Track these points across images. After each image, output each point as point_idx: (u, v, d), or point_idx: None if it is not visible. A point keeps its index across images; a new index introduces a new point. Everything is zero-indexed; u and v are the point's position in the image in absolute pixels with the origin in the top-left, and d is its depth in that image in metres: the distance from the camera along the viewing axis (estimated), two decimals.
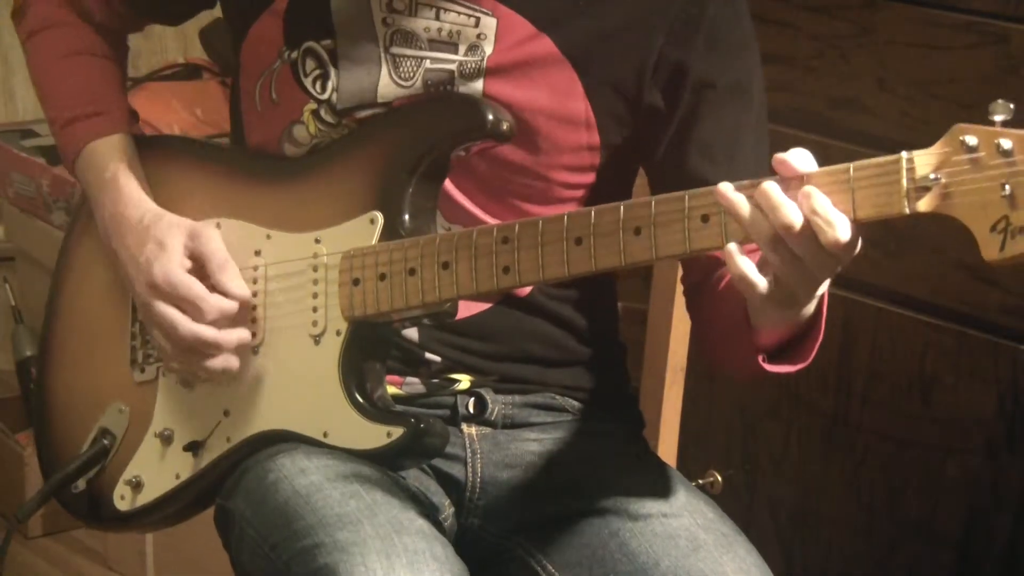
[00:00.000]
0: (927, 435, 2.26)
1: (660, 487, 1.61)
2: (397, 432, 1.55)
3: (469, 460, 1.66)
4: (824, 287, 1.43)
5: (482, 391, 1.67)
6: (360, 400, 1.57)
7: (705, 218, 1.41)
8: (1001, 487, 2.19)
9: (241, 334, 1.60)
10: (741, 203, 1.38)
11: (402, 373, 1.65)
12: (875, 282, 2.30)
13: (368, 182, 1.59)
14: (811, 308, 1.47)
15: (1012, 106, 1.30)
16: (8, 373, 3.08)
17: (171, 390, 1.69)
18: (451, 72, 1.60)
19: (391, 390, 1.63)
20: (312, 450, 1.57)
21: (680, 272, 1.73)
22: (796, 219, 1.35)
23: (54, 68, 1.78)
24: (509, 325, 1.66)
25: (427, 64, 1.61)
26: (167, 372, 1.69)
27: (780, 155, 1.38)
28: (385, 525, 1.45)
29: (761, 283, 1.39)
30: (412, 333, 1.65)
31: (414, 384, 1.66)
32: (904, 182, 1.32)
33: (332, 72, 1.62)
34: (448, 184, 1.61)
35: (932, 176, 1.32)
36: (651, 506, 1.58)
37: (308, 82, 1.64)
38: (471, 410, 1.66)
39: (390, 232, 1.57)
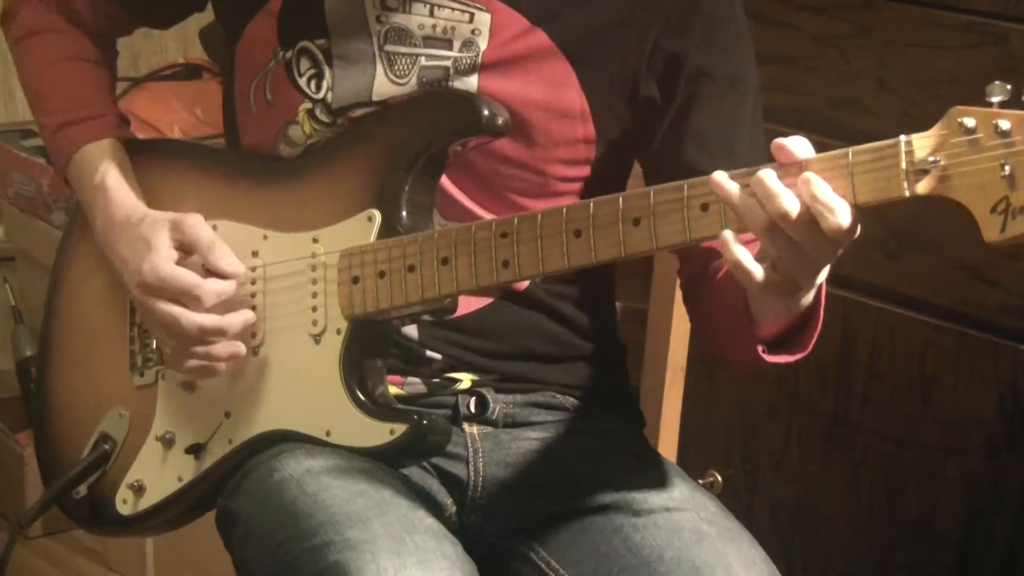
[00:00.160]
0: (927, 435, 2.26)
1: (662, 483, 1.61)
2: (400, 429, 1.55)
3: (471, 459, 1.66)
4: (824, 273, 1.43)
5: (483, 390, 1.67)
6: (362, 398, 1.57)
7: (704, 207, 1.42)
8: (1001, 487, 2.19)
9: (245, 316, 1.61)
10: (735, 192, 1.38)
11: (403, 373, 1.65)
12: (875, 282, 2.30)
13: (365, 180, 1.59)
14: (810, 297, 1.47)
15: (1009, 87, 1.30)
16: (8, 373, 3.08)
17: (171, 393, 1.69)
18: (446, 69, 1.60)
19: (393, 390, 1.63)
20: (316, 449, 1.57)
21: (679, 267, 1.74)
22: (792, 207, 1.35)
23: (44, 73, 1.78)
24: (508, 321, 1.66)
25: (422, 61, 1.61)
26: (171, 375, 1.68)
27: (779, 140, 1.38)
28: (395, 523, 1.45)
29: (757, 271, 1.39)
30: (412, 331, 1.65)
31: (415, 384, 1.66)
32: (903, 165, 1.33)
33: (327, 71, 1.63)
34: (444, 180, 1.61)
35: (931, 159, 1.32)
36: (654, 501, 1.58)
37: (303, 82, 1.64)
38: (472, 409, 1.67)
39: (388, 230, 1.57)
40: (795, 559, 2.43)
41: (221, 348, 1.59)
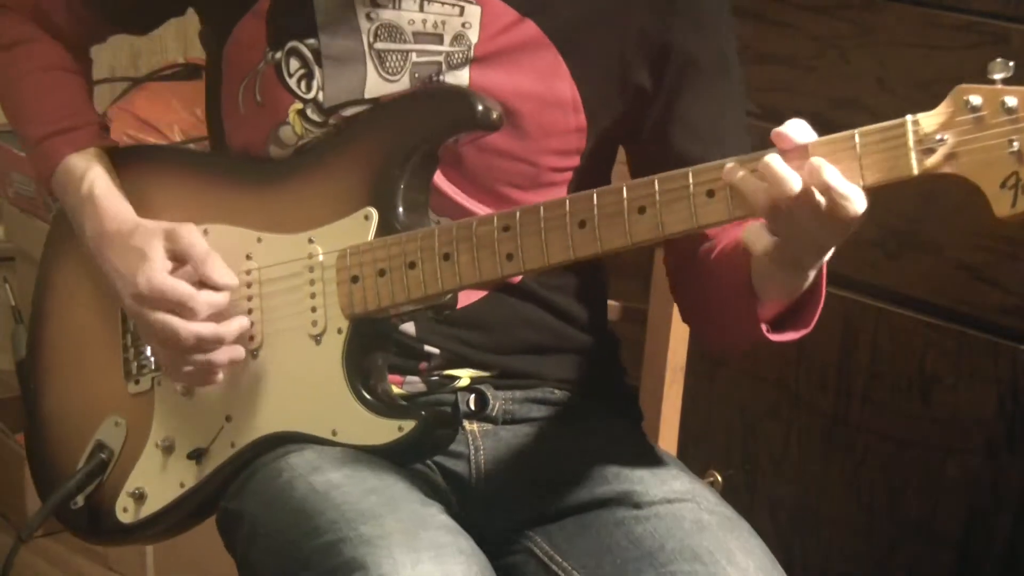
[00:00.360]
0: (927, 435, 2.26)
1: (662, 475, 1.62)
2: (409, 425, 1.55)
3: (472, 456, 1.66)
4: (830, 253, 1.44)
5: (482, 387, 1.67)
6: (368, 397, 1.57)
7: (711, 193, 1.43)
8: (1001, 487, 2.19)
9: (240, 322, 1.60)
10: (746, 178, 1.39)
11: (402, 372, 1.65)
12: (875, 282, 2.30)
13: (359, 179, 1.59)
14: (812, 276, 1.48)
15: (1012, 64, 1.32)
16: (8, 373, 3.07)
17: (169, 399, 1.69)
18: (439, 64, 1.60)
19: (393, 389, 1.63)
20: (321, 449, 1.57)
21: (663, 255, 1.74)
22: (795, 185, 1.36)
23: (24, 85, 1.77)
24: (504, 313, 1.67)
25: (414, 57, 1.61)
26: (167, 381, 1.68)
27: (778, 129, 1.39)
28: (408, 520, 1.45)
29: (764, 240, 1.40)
30: (409, 327, 1.65)
31: (414, 383, 1.66)
32: (911, 144, 1.34)
33: (316, 71, 1.63)
34: (436, 175, 1.61)
35: (938, 137, 1.34)
36: (654, 493, 1.58)
37: (292, 82, 1.63)
38: (472, 407, 1.67)
39: (385, 228, 1.57)
40: (795, 559, 2.43)
41: (220, 355, 1.59)
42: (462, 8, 1.59)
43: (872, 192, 1.38)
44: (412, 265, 1.55)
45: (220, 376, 1.61)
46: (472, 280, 1.53)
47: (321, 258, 1.60)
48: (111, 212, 1.67)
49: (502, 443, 1.67)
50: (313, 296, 1.60)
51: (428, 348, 1.66)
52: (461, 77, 1.61)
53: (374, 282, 1.56)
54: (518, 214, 1.51)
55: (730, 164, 1.40)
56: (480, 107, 1.55)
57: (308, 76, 1.63)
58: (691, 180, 1.43)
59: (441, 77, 1.61)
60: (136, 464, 1.70)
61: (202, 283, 1.60)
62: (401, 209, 1.57)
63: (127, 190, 1.71)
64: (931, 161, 1.34)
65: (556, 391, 1.71)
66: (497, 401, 1.67)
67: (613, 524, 1.58)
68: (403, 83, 1.62)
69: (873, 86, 2.25)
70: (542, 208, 1.50)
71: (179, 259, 1.61)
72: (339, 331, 1.58)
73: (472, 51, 1.60)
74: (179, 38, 3.30)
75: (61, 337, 1.79)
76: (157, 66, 3.15)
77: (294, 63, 1.63)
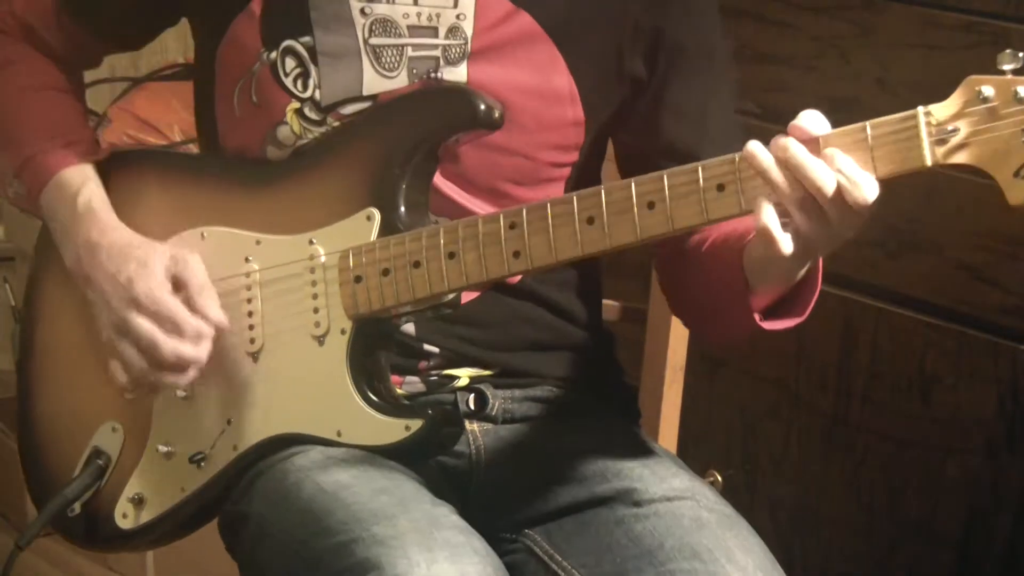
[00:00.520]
0: (927, 435, 2.26)
1: (662, 473, 1.62)
2: (416, 424, 1.55)
3: (473, 456, 1.66)
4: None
5: (482, 386, 1.67)
6: (373, 397, 1.57)
7: (721, 187, 1.43)
8: (1001, 487, 2.19)
9: (208, 348, 1.59)
10: (770, 164, 1.39)
11: (401, 372, 1.65)
12: (875, 282, 2.30)
13: (360, 179, 1.59)
14: (808, 265, 1.49)
15: (1022, 55, 1.33)
16: (8, 373, 3.06)
17: (168, 404, 1.67)
18: (436, 58, 1.60)
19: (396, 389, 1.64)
20: (326, 450, 1.57)
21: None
22: (829, 180, 1.37)
23: (16, 103, 1.75)
24: (502, 311, 1.67)
25: (409, 52, 1.61)
26: (127, 391, 1.67)
27: (793, 122, 1.40)
28: (421, 520, 1.45)
29: (785, 242, 1.41)
30: (408, 326, 1.64)
31: (414, 383, 1.66)
32: (923, 135, 1.35)
33: (312, 69, 1.62)
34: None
35: (950, 127, 1.35)
36: (654, 491, 1.58)
37: (288, 81, 1.63)
38: (472, 406, 1.67)
39: (387, 228, 1.57)
40: (795, 559, 2.43)
41: (186, 377, 1.59)
42: (456, 0, 1.60)
43: (881, 186, 1.38)
44: (417, 264, 1.55)
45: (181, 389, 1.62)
46: (478, 278, 1.53)
47: (323, 259, 1.60)
48: (111, 224, 1.66)
49: (502, 442, 1.67)
50: (315, 297, 1.60)
51: (427, 347, 1.66)
52: (459, 73, 1.61)
53: (378, 282, 1.56)
54: (524, 211, 1.51)
55: (753, 145, 1.40)
56: (482, 106, 1.55)
57: (304, 75, 1.63)
58: (701, 174, 1.44)
59: (439, 73, 1.61)
60: (135, 469, 1.69)
61: (192, 311, 1.59)
62: (403, 209, 1.57)
63: (123, 194, 1.70)
64: (944, 151, 1.35)
65: (555, 389, 1.71)
66: (496, 400, 1.67)
67: (613, 522, 1.58)
68: (401, 79, 1.62)
69: (873, 86, 2.25)
70: (549, 205, 1.50)
71: (176, 283, 1.60)
72: (342, 332, 1.58)
73: (469, 45, 1.60)
74: (179, 38, 3.29)
75: (55, 342, 1.78)
76: (157, 66, 3.15)
77: (290, 62, 1.63)
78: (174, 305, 1.59)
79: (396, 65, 1.61)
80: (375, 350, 1.60)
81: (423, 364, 1.66)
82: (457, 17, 1.60)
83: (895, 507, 2.31)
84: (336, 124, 1.63)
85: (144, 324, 1.59)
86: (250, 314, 1.62)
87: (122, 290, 1.61)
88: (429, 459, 1.63)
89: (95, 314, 1.67)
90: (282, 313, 1.61)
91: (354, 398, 1.57)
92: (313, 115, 1.63)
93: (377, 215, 1.58)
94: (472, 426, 1.67)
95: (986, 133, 1.34)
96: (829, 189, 1.37)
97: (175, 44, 3.28)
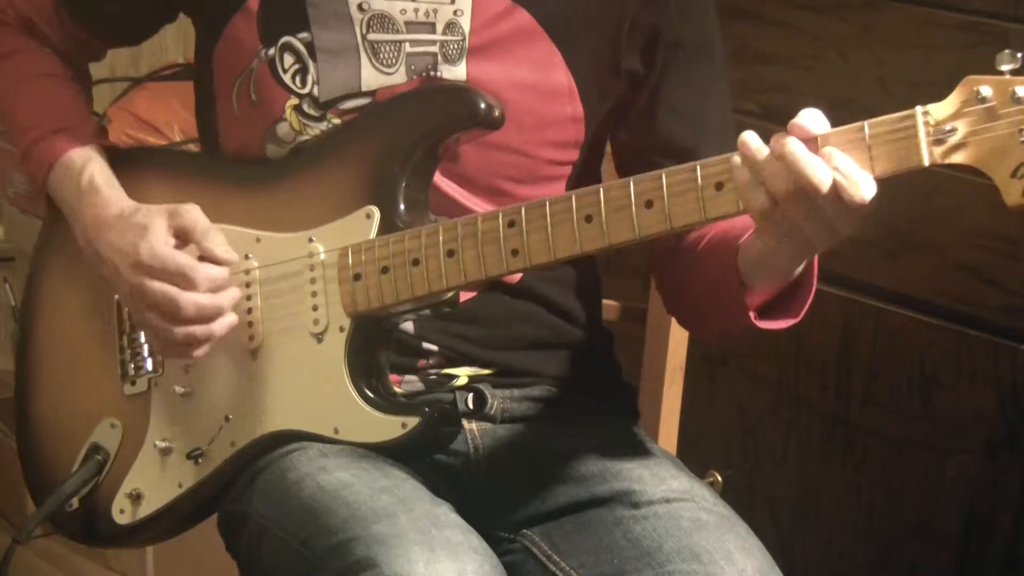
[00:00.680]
0: (927, 435, 2.26)
1: (661, 474, 1.62)
2: (413, 422, 1.55)
3: (471, 455, 1.66)
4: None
5: (480, 386, 1.67)
6: (370, 394, 1.57)
7: (719, 186, 1.43)
8: (1001, 487, 2.19)
9: (234, 293, 1.60)
10: (764, 157, 1.39)
11: (400, 371, 1.65)
12: (875, 282, 2.30)
13: (360, 177, 1.59)
14: (803, 265, 1.50)
15: (1020, 55, 1.33)
16: (8, 373, 3.06)
17: (166, 400, 1.68)
18: (434, 54, 1.61)
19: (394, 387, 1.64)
20: (327, 447, 1.57)
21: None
22: (826, 177, 1.36)
23: (20, 92, 1.76)
24: (501, 309, 1.67)
25: (407, 48, 1.61)
26: (164, 382, 1.67)
27: (793, 120, 1.40)
28: (422, 519, 1.45)
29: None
30: (407, 324, 1.65)
31: (413, 382, 1.66)
32: (921, 135, 1.35)
33: (311, 65, 1.63)
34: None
35: (948, 127, 1.35)
36: (653, 492, 1.58)
37: (287, 78, 1.63)
38: (470, 406, 1.67)
39: (387, 226, 1.57)
40: (795, 559, 2.43)
41: (218, 325, 1.59)
42: None
43: (879, 185, 1.38)
44: (416, 262, 1.55)
45: (207, 347, 1.60)
46: (477, 277, 1.53)
47: (322, 256, 1.60)
48: (112, 198, 1.67)
49: (500, 442, 1.67)
50: (314, 295, 1.60)
51: (426, 345, 1.66)
52: (458, 71, 1.61)
53: (377, 280, 1.57)
54: (523, 209, 1.51)
55: (748, 135, 1.40)
56: (482, 105, 1.55)
57: (303, 71, 1.63)
58: (699, 173, 1.44)
59: (438, 70, 1.61)
60: (133, 465, 1.69)
61: (201, 257, 1.60)
62: (403, 207, 1.58)
63: (125, 191, 1.71)
64: (941, 151, 1.35)
65: (554, 389, 1.71)
66: (495, 400, 1.67)
67: (611, 523, 1.58)
68: (399, 75, 1.62)
69: (873, 86, 2.25)
70: (547, 203, 1.50)
71: (181, 236, 1.61)
72: (341, 329, 1.58)
73: (467, 41, 1.60)
74: (179, 38, 3.30)
75: (54, 339, 1.78)
76: (157, 66, 3.15)
77: (288, 59, 1.63)
78: (180, 258, 1.59)
79: (394, 61, 1.61)
80: (374, 348, 1.60)
81: (422, 363, 1.66)
82: (454, 13, 1.60)
83: (895, 507, 2.31)
84: (335, 120, 1.63)
85: (156, 285, 1.59)
86: (249, 311, 1.63)
87: (129, 258, 1.61)
88: (426, 457, 1.63)
89: (113, 291, 1.68)
90: (281, 310, 1.61)
91: (351, 395, 1.57)
92: (312, 111, 1.63)
93: (376, 213, 1.58)
94: (470, 425, 1.67)
95: (984, 133, 1.34)
96: (825, 185, 1.36)
97: (175, 44, 3.28)
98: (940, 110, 1.35)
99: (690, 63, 1.65)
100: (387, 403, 1.58)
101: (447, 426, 1.59)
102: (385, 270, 1.56)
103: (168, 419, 1.68)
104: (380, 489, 1.49)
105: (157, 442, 1.68)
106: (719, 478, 2.20)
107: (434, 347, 1.66)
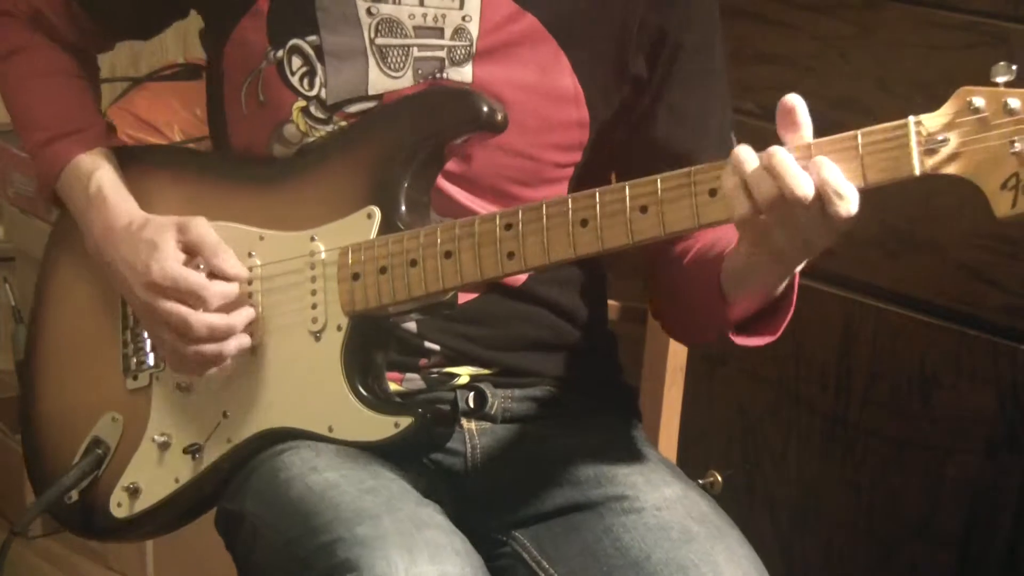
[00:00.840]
0: (927, 435, 2.26)
1: (656, 481, 1.62)
2: (405, 422, 1.56)
3: (469, 454, 1.66)
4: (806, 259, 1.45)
5: (482, 385, 1.67)
6: (364, 393, 1.58)
7: (712, 192, 1.43)
8: (1001, 487, 2.19)
9: (248, 313, 1.61)
10: (755, 169, 1.39)
11: (402, 369, 1.66)
12: (875, 282, 2.30)
13: (362, 178, 1.60)
14: (784, 283, 1.50)
15: (1015, 67, 1.33)
16: (8, 373, 3.07)
17: (166, 395, 1.69)
18: (441, 59, 1.61)
19: (392, 387, 1.64)
20: (319, 446, 1.58)
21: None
22: (809, 190, 1.36)
23: (28, 91, 1.77)
24: (504, 310, 1.67)
25: (415, 52, 1.61)
26: (165, 377, 1.68)
27: (785, 99, 1.39)
28: (405, 520, 1.45)
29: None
30: (410, 324, 1.65)
31: (414, 380, 1.66)
32: (913, 144, 1.35)
33: (318, 68, 1.63)
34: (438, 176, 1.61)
35: (940, 137, 1.35)
36: (645, 499, 1.59)
37: (295, 80, 1.64)
38: (471, 405, 1.67)
39: (387, 226, 1.58)
40: (795, 559, 2.43)
41: (230, 344, 1.60)
42: (462, 1, 1.60)
43: (873, 191, 1.38)
44: (413, 263, 1.55)
45: (227, 364, 1.61)
46: (474, 278, 1.53)
47: (323, 255, 1.60)
48: (120, 208, 1.68)
49: (499, 441, 1.68)
50: (314, 293, 1.60)
51: (428, 344, 1.66)
52: (464, 74, 1.61)
53: (375, 279, 1.57)
54: (520, 212, 1.51)
55: (743, 149, 1.40)
56: (485, 108, 1.55)
57: (310, 73, 1.63)
58: (693, 179, 1.44)
59: (444, 73, 1.61)
60: (132, 459, 1.70)
61: (212, 274, 1.61)
62: (404, 208, 1.58)
63: (131, 189, 1.71)
64: (933, 161, 1.35)
65: (555, 390, 1.71)
66: (496, 400, 1.68)
67: (601, 530, 1.58)
68: (406, 79, 1.62)
69: (873, 86, 2.25)
70: (544, 206, 1.50)
71: (190, 251, 1.62)
72: (339, 328, 1.59)
73: (474, 46, 1.60)
74: (179, 38, 3.31)
75: (59, 335, 1.80)
76: (157, 66, 3.15)
77: (296, 61, 1.63)
78: (193, 278, 1.60)
79: (402, 65, 1.62)
80: (370, 348, 1.60)
81: (424, 361, 1.66)
82: (463, 19, 1.60)
83: (895, 507, 2.31)
84: (342, 123, 1.64)
85: (169, 305, 1.60)
86: (251, 308, 1.63)
87: (141, 276, 1.62)
88: (422, 457, 1.63)
89: (112, 305, 1.69)
90: (282, 308, 1.62)
91: (346, 394, 1.57)
92: (319, 114, 1.64)
93: (377, 213, 1.58)
94: (469, 424, 1.67)
95: (975, 144, 1.34)
96: (808, 198, 1.36)
97: (175, 44, 3.28)
98: (933, 120, 1.35)
99: (693, 68, 1.65)
100: (381, 402, 1.58)
101: (440, 426, 1.60)
102: (383, 270, 1.56)
103: (168, 414, 1.68)
104: (366, 490, 1.49)
105: (156, 437, 1.68)
106: (719, 478, 2.20)
107: (436, 346, 1.66)
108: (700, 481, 2.40)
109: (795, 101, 1.40)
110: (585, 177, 1.66)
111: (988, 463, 2.20)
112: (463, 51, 1.61)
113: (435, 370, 1.67)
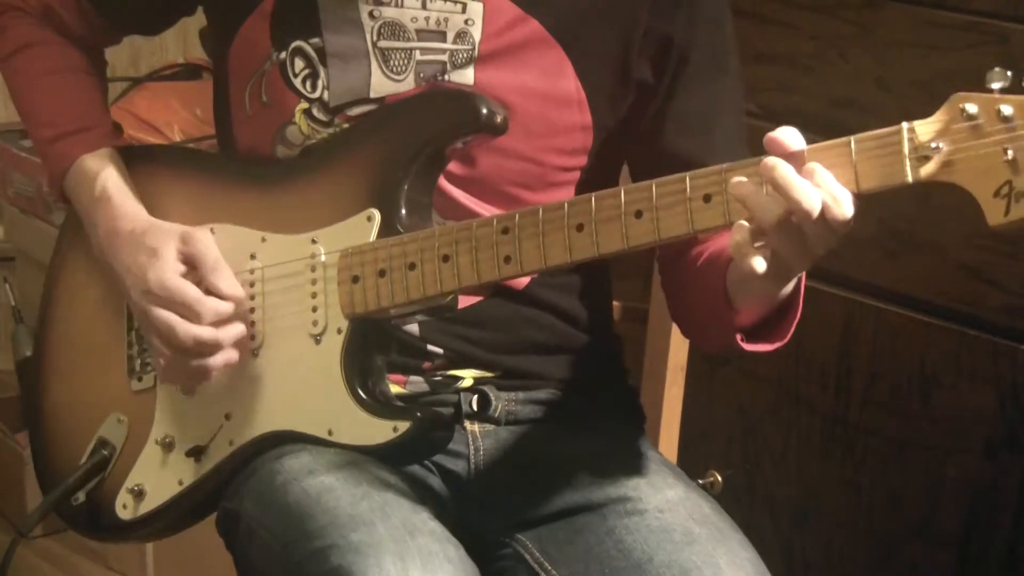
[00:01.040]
0: (927, 435, 2.26)
1: (659, 483, 1.62)
2: (404, 426, 1.55)
3: (472, 457, 1.66)
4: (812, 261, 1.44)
5: (485, 388, 1.67)
6: (364, 396, 1.57)
7: (707, 198, 1.42)
8: (1001, 487, 2.19)
9: (237, 329, 1.61)
10: (752, 189, 1.38)
11: (405, 371, 1.66)
12: (875, 282, 2.30)
13: (363, 180, 1.60)
14: (791, 287, 1.49)
15: (1010, 73, 1.32)
16: (8, 373, 3.06)
17: (170, 397, 1.69)
18: (443, 63, 1.60)
19: (395, 389, 1.64)
20: (318, 450, 1.57)
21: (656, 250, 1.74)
22: (816, 201, 1.35)
23: (37, 87, 1.77)
24: (507, 313, 1.67)
25: (418, 56, 1.61)
26: (164, 383, 1.68)
27: (770, 134, 1.39)
28: (399, 527, 1.45)
29: (760, 264, 1.40)
30: (412, 327, 1.65)
31: (418, 383, 1.66)
32: (906, 151, 1.34)
33: (321, 70, 1.63)
34: (440, 178, 1.61)
35: (933, 144, 1.34)
36: (648, 501, 1.59)
37: (298, 82, 1.64)
38: (474, 407, 1.67)
39: (387, 229, 1.57)
40: (795, 559, 2.43)
41: (215, 359, 1.60)
42: (464, 5, 1.60)
43: (869, 195, 1.38)
44: (412, 266, 1.55)
45: (211, 377, 1.61)
46: (471, 282, 1.53)
47: (323, 258, 1.60)
48: (124, 211, 1.68)
49: (502, 444, 1.67)
50: (314, 296, 1.60)
51: (431, 347, 1.66)
52: (466, 76, 1.61)
53: (374, 282, 1.57)
54: (517, 216, 1.51)
55: (736, 179, 1.40)
56: (484, 110, 1.55)
57: (313, 76, 1.63)
58: (688, 184, 1.43)
59: (446, 76, 1.61)
60: (136, 461, 1.70)
61: (208, 290, 1.60)
62: (404, 211, 1.58)
63: (136, 190, 1.72)
64: (926, 169, 1.34)
65: (558, 392, 1.71)
66: (500, 402, 1.67)
67: (604, 532, 1.58)
68: (408, 82, 1.62)
69: (873, 86, 2.25)
70: (541, 211, 1.50)
71: (189, 263, 1.62)
72: (339, 331, 1.58)
73: (476, 50, 1.60)
74: (179, 38, 3.30)
75: (67, 335, 1.80)
76: (157, 66, 3.15)
77: (299, 63, 1.63)
78: (189, 291, 1.60)
79: (404, 68, 1.62)
80: (371, 351, 1.60)
81: (427, 364, 1.66)
82: (465, 23, 1.60)
83: (895, 507, 2.31)
84: (344, 126, 1.63)
85: (160, 313, 1.60)
86: (252, 310, 1.63)
87: (140, 282, 1.62)
88: (422, 461, 1.63)
89: (119, 305, 1.70)
90: (283, 310, 1.62)
91: (346, 397, 1.57)
92: (321, 116, 1.64)
93: (377, 216, 1.58)
94: (473, 427, 1.67)
95: (968, 152, 1.32)
96: (816, 210, 1.35)
97: (175, 44, 3.28)
98: (926, 127, 1.34)
99: (700, 75, 1.64)
100: (380, 406, 1.58)
101: (439, 431, 1.59)
102: (382, 273, 1.56)
103: (172, 416, 1.68)
104: (361, 495, 1.49)
105: (160, 438, 1.68)
106: (719, 478, 2.20)
107: (439, 349, 1.66)
108: (700, 481, 2.41)
109: (779, 135, 1.39)
110: (591, 182, 1.65)
111: (988, 463, 2.20)
112: (465, 55, 1.61)
113: (438, 373, 1.67)
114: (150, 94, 2.94)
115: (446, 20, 1.60)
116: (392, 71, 1.62)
